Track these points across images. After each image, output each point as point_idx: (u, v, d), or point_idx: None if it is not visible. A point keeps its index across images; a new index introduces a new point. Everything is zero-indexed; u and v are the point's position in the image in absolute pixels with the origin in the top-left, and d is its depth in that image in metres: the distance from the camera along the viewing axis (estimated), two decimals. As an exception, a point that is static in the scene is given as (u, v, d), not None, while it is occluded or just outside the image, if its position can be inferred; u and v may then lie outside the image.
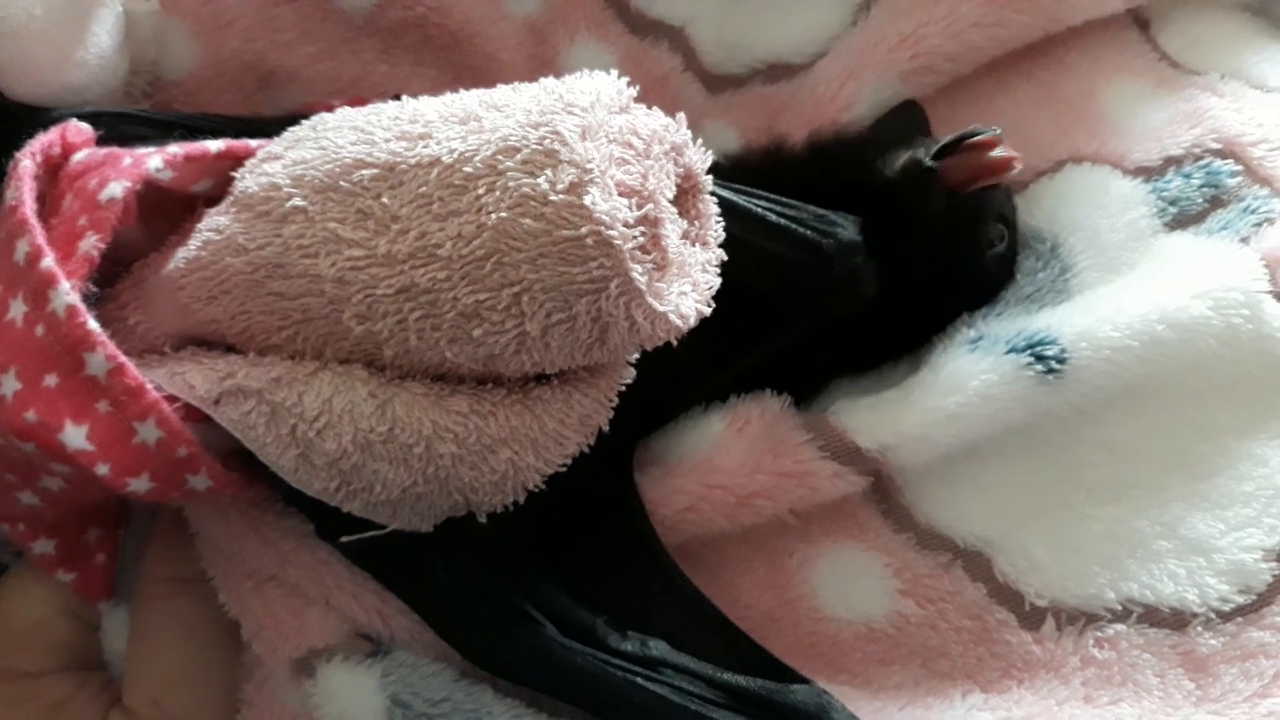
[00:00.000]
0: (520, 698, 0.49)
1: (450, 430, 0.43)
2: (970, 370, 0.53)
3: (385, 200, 0.42)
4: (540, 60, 0.69)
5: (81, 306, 0.43)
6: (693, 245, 0.44)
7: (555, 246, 0.40)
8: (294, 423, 0.43)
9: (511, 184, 0.40)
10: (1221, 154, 0.60)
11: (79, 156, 0.48)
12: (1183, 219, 0.59)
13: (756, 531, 0.54)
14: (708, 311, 0.43)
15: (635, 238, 0.40)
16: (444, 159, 0.42)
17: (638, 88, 0.45)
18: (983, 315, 0.57)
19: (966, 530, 0.54)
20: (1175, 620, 0.50)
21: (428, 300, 0.41)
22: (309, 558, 0.50)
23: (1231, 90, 0.63)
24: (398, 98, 0.48)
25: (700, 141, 0.45)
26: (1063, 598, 0.52)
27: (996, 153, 0.53)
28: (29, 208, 0.45)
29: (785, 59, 0.69)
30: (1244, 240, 0.57)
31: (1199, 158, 0.60)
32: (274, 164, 0.45)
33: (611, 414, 0.46)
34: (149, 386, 0.43)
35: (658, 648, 0.48)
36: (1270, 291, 0.53)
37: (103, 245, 0.45)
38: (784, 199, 0.51)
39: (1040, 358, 0.52)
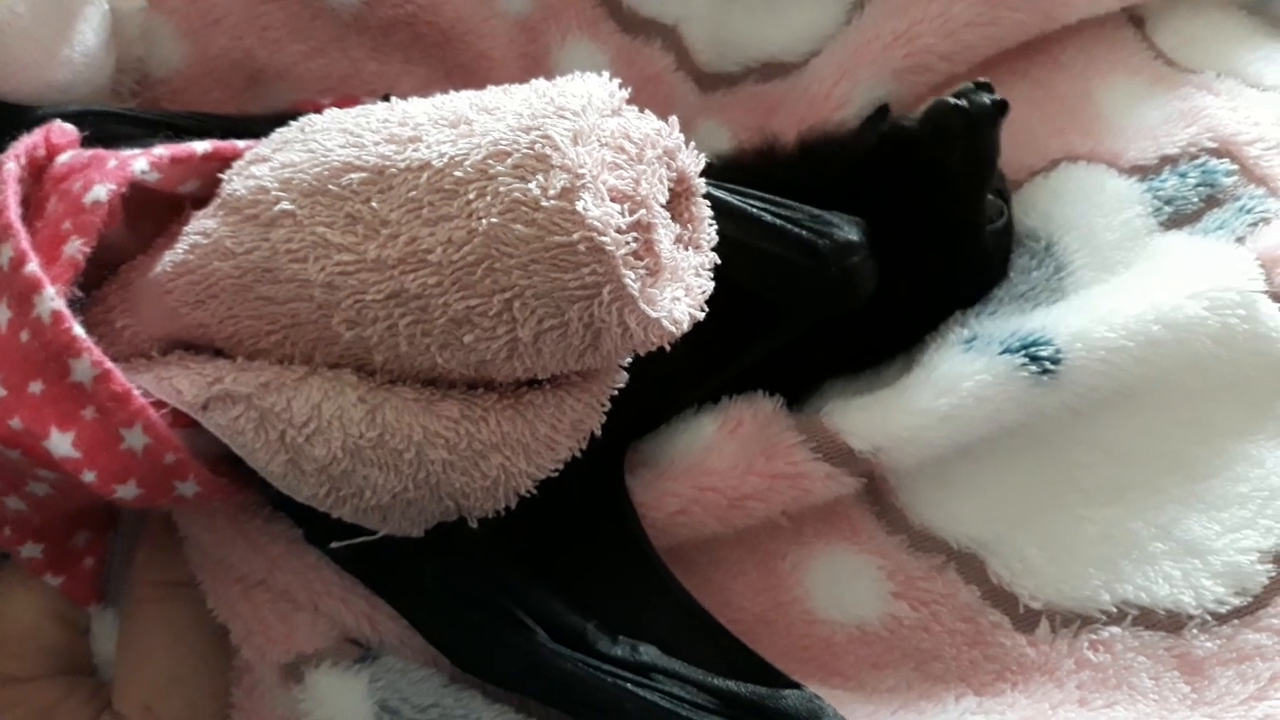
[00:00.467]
0: (509, 703, 0.49)
1: (441, 436, 0.43)
2: (964, 371, 0.53)
3: (374, 204, 0.42)
4: (532, 59, 0.69)
5: (67, 312, 0.42)
6: (685, 249, 0.44)
7: (547, 252, 0.39)
8: (283, 428, 0.43)
9: (503, 189, 0.40)
10: (1217, 153, 0.60)
11: (63, 158, 0.48)
12: (1178, 218, 0.59)
13: (749, 534, 0.54)
14: (701, 316, 0.43)
15: (628, 244, 0.40)
16: (434, 163, 0.42)
17: (630, 90, 0.44)
18: (976, 314, 0.57)
19: (960, 532, 0.53)
20: (1171, 623, 0.50)
21: (418, 306, 0.41)
22: (298, 563, 0.50)
23: (1227, 89, 0.63)
24: (387, 98, 0.48)
25: (693, 145, 0.45)
26: (1057, 600, 0.51)
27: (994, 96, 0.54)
28: (13, 212, 0.44)
29: (778, 58, 0.69)
30: (1240, 240, 0.57)
31: (1195, 156, 0.60)
32: (262, 166, 0.45)
33: (604, 418, 0.46)
34: (136, 392, 0.42)
35: (648, 653, 0.48)
36: (1266, 291, 0.53)
37: (88, 249, 0.45)
38: (779, 199, 0.51)
39: (1035, 358, 0.52)
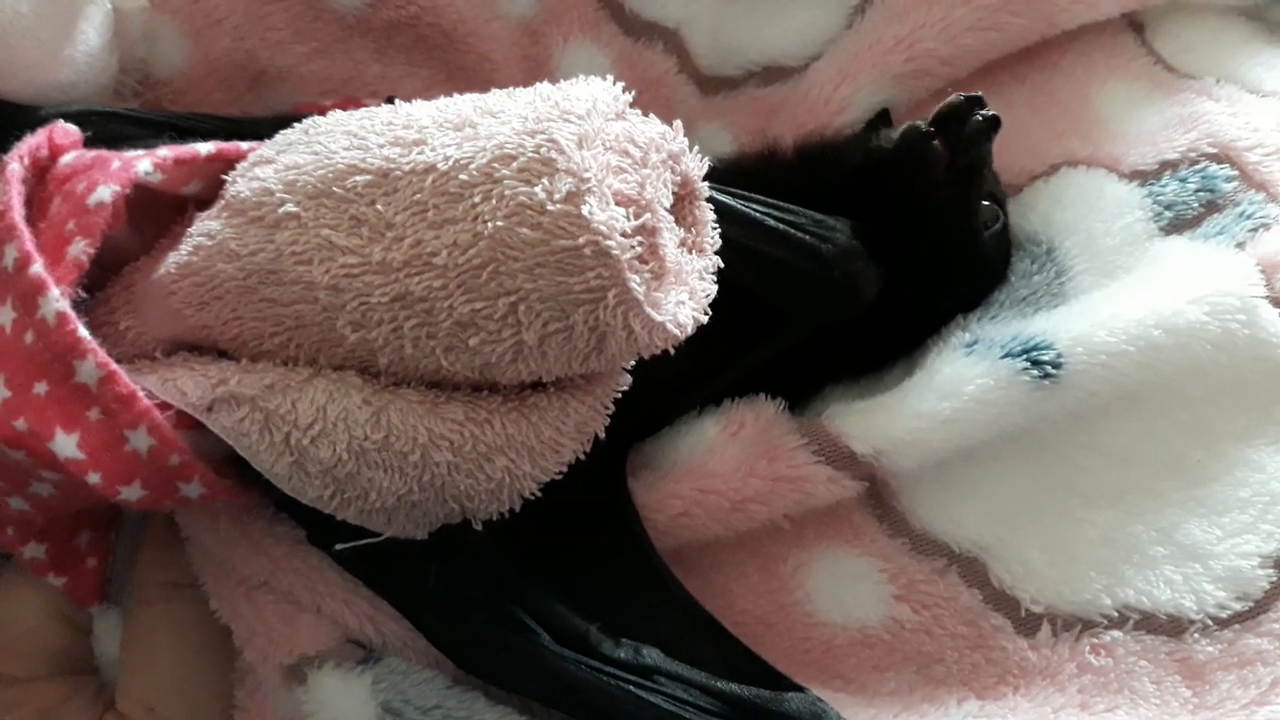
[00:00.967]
0: (512, 705, 0.49)
1: (446, 438, 0.43)
2: (965, 375, 0.53)
3: (379, 207, 0.42)
4: (534, 61, 0.69)
5: (72, 313, 0.42)
6: (689, 253, 0.44)
7: (552, 256, 0.40)
8: (288, 430, 0.43)
9: (508, 192, 0.40)
10: (1217, 158, 0.60)
11: (67, 159, 0.48)
12: (1178, 223, 0.59)
13: (750, 536, 0.54)
14: (705, 320, 0.43)
15: (633, 247, 0.40)
16: (439, 166, 0.42)
17: (633, 93, 0.44)
18: (977, 319, 0.57)
19: (962, 535, 0.53)
20: (1172, 627, 0.50)
21: (423, 309, 0.41)
22: (300, 564, 0.50)
23: (1227, 94, 0.63)
24: (391, 100, 0.48)
25: (696, 149, 0.45)
26: (1058, 604, 0.51)
27: (985, 112, 0.54)
28: (18, 212, 0.44)
29: (780, 61, 0.69)
30: (1240, 245, 0.57)
31: (1195, 162, 0.60)
32: (266, 168, 0.45)
33: (608, 421, 0.46)
34: (140, 394, 0.42)
35: (651, 655, 0.48)
36: (1266, 297, 0.53)
37: (92, 250, 0.45)
38: (782, 203, 0.51)
39: (1036, 362, 0.52)
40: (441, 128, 0.43)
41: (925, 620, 0.52)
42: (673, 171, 0.43)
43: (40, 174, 0.48)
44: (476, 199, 0.41)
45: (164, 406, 0.43)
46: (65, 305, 0.42)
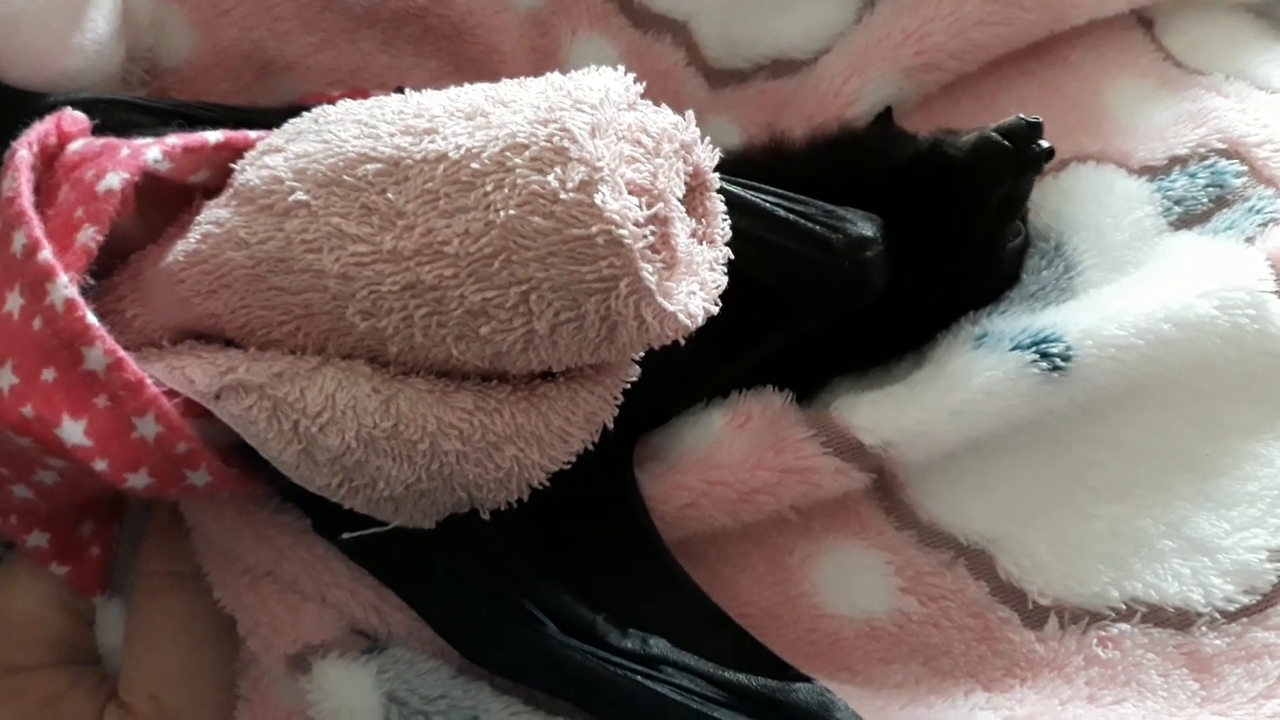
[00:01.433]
0: (518, 695, 0.49)
1: (455, 427, 0.43)
2: (975, 367, 0.53)
3: (390, 196, 0.42)
4: (542, 53, 0.69)
5: (80, 300, 0.42)
6: (700, 243, 0.44)
7: (565, 245, 0.39)
8: (296, 418, 0.42)
9: (520, 181, 0.40)
10: (1226, 154, 0.60)
11: (75, 146, 0.48)
12: (1188, 218, 0.59)
13: (757, 528, 0.54)
14: (715, 310, 0.43)
15: (645, 237, 0.40)
16: (450, 155, 0.41)
17: (644, 84, 0.44)
18: (987, 312, 0.57)
19: (969, 528, 0.53)
20: (1180, 620, 0.50)
21: (434, 297, 0.41)
22: (305, 553, 0.50)
23: (1236, 91, 0.63)
24: (401, 90, 0.48)
25: (708, 139, 0.45)
26: (1066, 596, 0.52)
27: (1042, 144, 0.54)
28: (27, 199, 0.44)
29: (789, 54, 0.69)
30: (1249, 240, 0.57)
31: (1204, 157, 0.60)
32: (275, 157, 0.45)
33: (616, 411, 0.46)
34: (148, 381, 0.42)
35: (658, 645, 0.48)
36: (1275, 291, 0.53)
37: (100, 238, 0.45)
38: (792, 194, 0.51)
39: (1045, 355, 0.52)
40: (453, 116, 0.43)
41: (932, 612, 0.52)
42: (685, 161, 0.43)
43: (49, 161, 0.47)
44: (488, 187, 0.40)
45: (171, 394, 0.43)
46: (74, 292, 0.42)
